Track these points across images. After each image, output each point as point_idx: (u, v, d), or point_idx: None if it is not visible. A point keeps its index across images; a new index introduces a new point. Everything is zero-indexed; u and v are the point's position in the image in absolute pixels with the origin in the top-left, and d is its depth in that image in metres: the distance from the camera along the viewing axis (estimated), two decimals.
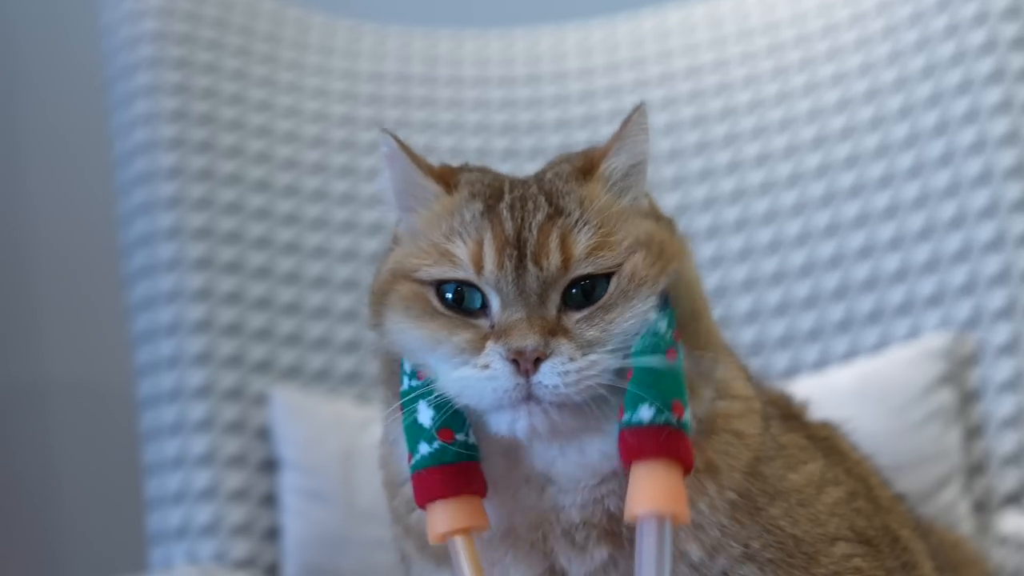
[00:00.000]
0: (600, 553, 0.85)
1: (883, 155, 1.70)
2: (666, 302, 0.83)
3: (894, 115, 1.70)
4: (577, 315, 0.82)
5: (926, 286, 1.62)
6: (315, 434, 1.60)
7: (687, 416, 0.80)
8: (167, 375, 1.65)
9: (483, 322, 0.82)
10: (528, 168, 1.67)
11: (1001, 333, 1.54)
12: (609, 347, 0.81)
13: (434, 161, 0.95)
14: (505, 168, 1.03)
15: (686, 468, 0.80)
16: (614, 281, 0.83)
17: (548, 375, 0.79)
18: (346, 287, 1.77)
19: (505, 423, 0.82)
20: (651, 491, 0.78)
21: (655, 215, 0.92)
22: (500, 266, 0.82)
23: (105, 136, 1.86)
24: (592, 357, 0.80)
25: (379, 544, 1.48)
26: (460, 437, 0.84)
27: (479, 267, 0.82)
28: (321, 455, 1.58)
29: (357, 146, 1.86)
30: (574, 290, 0.83)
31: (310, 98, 1.87)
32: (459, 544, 0.83)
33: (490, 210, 0.85)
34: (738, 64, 1.87)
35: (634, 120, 0.89)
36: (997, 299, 1.56)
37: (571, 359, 0.79)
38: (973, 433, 1.54)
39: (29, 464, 2.19)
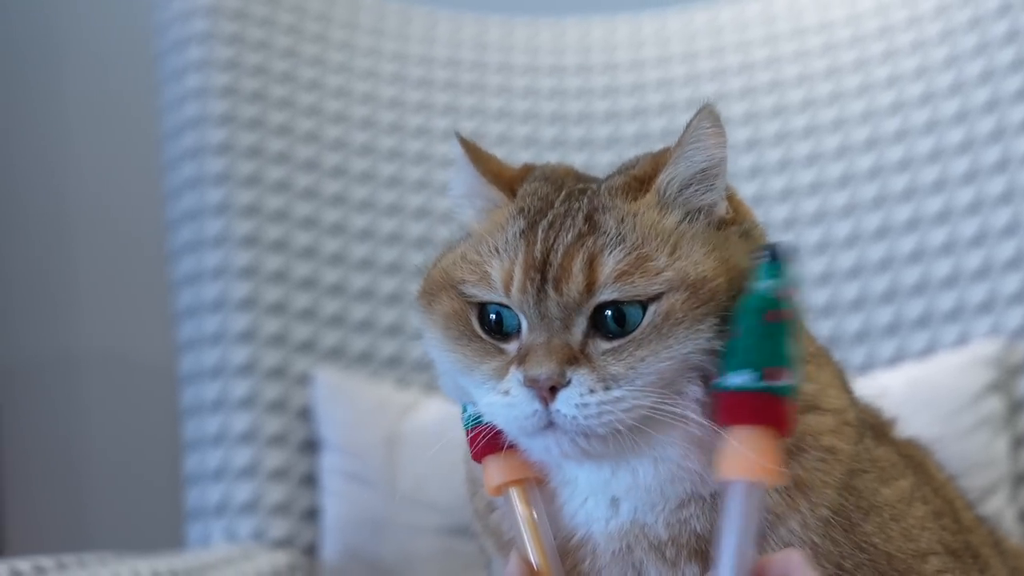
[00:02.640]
0: (691, 570, 0.82)
1: (937, 159, 1.69)
2: (780, 258, 0.77)
3: (949, 119, 1.69)
4: (606, 345, 0.78)
5: (977, 293, 1.61)
6: (358, 416, 1.59)
7: (787, 381, 0.76)
8: (210, 351, 1.65)
9: (514, 346, 0.81)
10: (575, 159, 1.69)
11: None
12: (638, 384, 0.76)
13: (503, 153, 0.95)
14: (552, 156, 1.01)
15: (783, 433, 0.76)
16: (649, 314, 0.77)
17: (565, 405, 0.76)
18: (391, 270, 1.76)
19: (535, 448, 0.82)
20: (739, 457, 0.75)
21: (734, 222, 0.85)
22: (523, 290, 0.79)
23: (152, 110, 1.86)
24: (616, 393, 0.76)
25: (420, 530, 1.50)
26: (469, 407, 0.84)
27: (508, 290, 0.80)
28: (364, 438, 1.57)
29: (405, 129, 1.85)
30: (607, 314, 0.78)
31: (359, 79, 1.87)
32: (513, 495, 0.84)
33: (530, 228, 0.82)
34: (791, 61, 1.86)
35: (695, 125, 0.82)
36: None
37: (591, 391, 0.76)
38: (1021, 442, 1.53)
39: (65, 437, 2.20)
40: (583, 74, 1.93)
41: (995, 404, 1.52)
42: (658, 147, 0.89)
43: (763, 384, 0.74)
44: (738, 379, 0.75)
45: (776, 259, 0.77)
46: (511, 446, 0.83)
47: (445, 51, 1.93)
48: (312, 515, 1.59)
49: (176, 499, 1.71)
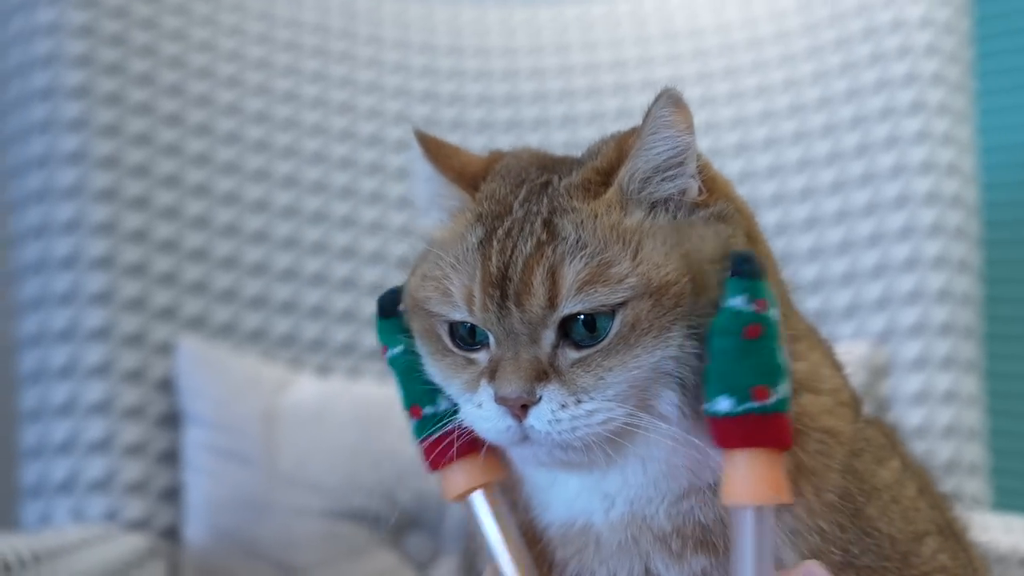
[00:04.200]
0: (698, 562, 0.80)
1: (805, 168, 1.75)
2: (748, 270, 0.73)
3: (818, 131, 1.76)
4: (575, 355, 0.75)
5: (842, 297, 1.67)
6: (230, 390, 1.49)
7: (775, 398, 0.72)
8: (60, 313, 1.50)
9: (484, 356, 0.78)
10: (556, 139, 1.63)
11: (912, 349, 1.61)
12: (609, 394, 0.74)
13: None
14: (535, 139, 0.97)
15: (782, 449, 0.74)
16: (616, 323, 0.74)
17: (538, 421, 0.74)
18: (256, 239, 1.66)
19: (517, 457, 0.81)
20: (741, 481, 0.73)
21: (706, 204, 0.80)
22: (484, 308, 0.76)
23: None
24: (588, 406, 0.74)
25: (301, 512, 1.42)
26: (428, 411, 0.82)
27: (471, 307, 0.77)
28: (237, 412, 1.47)
29: (273, 93, 1.75)
30: (577, 323, 0.75)
31: (225, 36, 1.75)
32: (477, 500, 0.82)
33: (487, 239, 0.78)
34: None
35: (653, 113, 0.76)
36: (910, 316, 1.62)
37: (562, 406, 0.74)
38: None
39: None
40: (535, 55, 1.90)
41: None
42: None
43: (752, 406, 0.72)
44: (725, 404, 0.73)
45: (741, 272, 0.74)
46: (469, 452, 0.81)
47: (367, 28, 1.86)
48: (172, 494, 1.47)
49: (6, 475, 1.54)
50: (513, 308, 0.75)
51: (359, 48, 1.84)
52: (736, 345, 0.72)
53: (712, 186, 0.80)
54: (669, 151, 0.77)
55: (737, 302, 0.73)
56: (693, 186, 0.79)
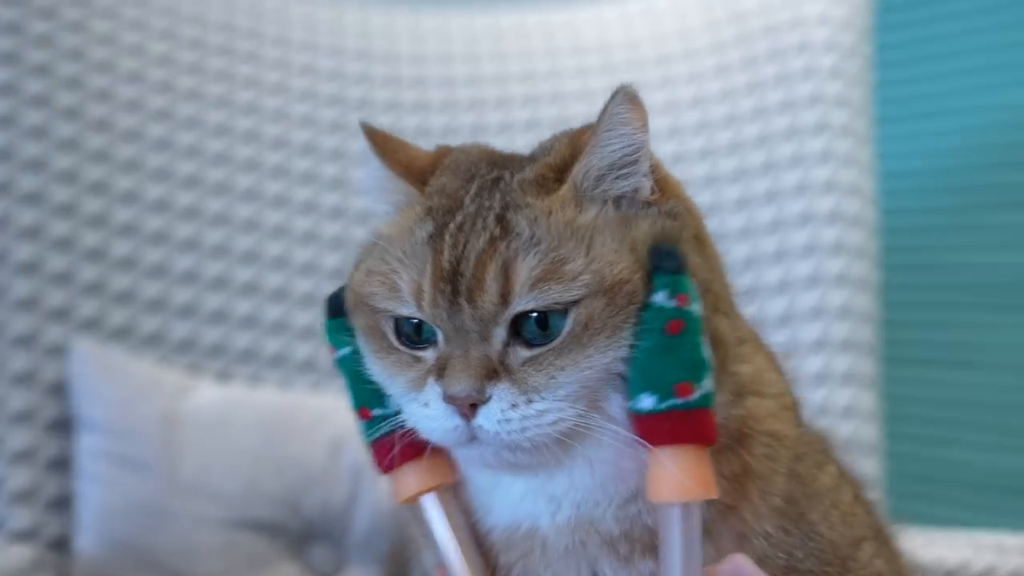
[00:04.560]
0: (646, 566, 0.79)
1: (711, 184, 1.76)
2: (669, 266, 0.73)
3: (724, 148, 1.78)
4: (526, 354, 0.74)
5: (745, 312, 1.69)
6: (128, 395, 1.43)
7: (699, 393, 0.72)
8: None
9: (432, 354, 0.77)
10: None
11: (813, 364, 1.64)
12: (560, 394, 0.73)
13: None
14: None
15: (706, 444, 0.73)
16: (569, 322, 0.73)
17: (487, 421, 0.73)
18: (155, 240, 1.60)
19: (462, 458, 0.80)
20: (667, 479, 0.72)
21: (657, 202, 0.79)
22: (435, 303, 0.74)
23: None
24: (539, 406, 0.73)
25: (202, 521, 1.37)
26: (377, 412, 0.80)
27: (419, 303, 0.75)
28: (136, 418, 1.41)
29: (176, 91, 1.70)
30: (529, 321, 0.74)
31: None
32: (428, 503, 0.81)
33: (438, 233, 0.76)
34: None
35: (610, 111, 0.75)
36: (811, 332, 1.65)
37: (513, 406, 0.73)
38: None
39: None
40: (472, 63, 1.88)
41: None
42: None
43: (675, 403, 0.72)
44: (648, 402, 0.72)
45: (661, 267, 0.73)
46: (412, 455, 0.80)
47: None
48: (62, 504, 1.41)
49: None
50: (464, 304, 0.73)
51: (293, 55, 1.80)
52: (658, 342, 0.72)
53: (664, 186, 0.80)
54: (624, 148, 0.76)
55: (659, 298, 0.72)
56: (646, 185, 0.78)
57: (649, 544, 0.78)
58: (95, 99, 1.61)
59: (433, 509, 0.81)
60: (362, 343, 0.81)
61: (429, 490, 0.81)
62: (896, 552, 0.93)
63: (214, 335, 1.60)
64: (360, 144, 0.84)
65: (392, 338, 0.78)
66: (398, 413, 0.79)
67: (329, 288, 1.62)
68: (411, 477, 0.80)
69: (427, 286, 0.75)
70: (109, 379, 1.44)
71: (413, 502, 0.81)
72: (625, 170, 0.77)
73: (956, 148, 2.02)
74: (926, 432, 2.05)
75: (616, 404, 0.75)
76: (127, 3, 1.71)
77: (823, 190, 1.69)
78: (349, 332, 0.82)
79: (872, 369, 1.66)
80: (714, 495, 0.73)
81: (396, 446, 0.79)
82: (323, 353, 1.64)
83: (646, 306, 0.72)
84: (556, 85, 1.87)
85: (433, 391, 0.75)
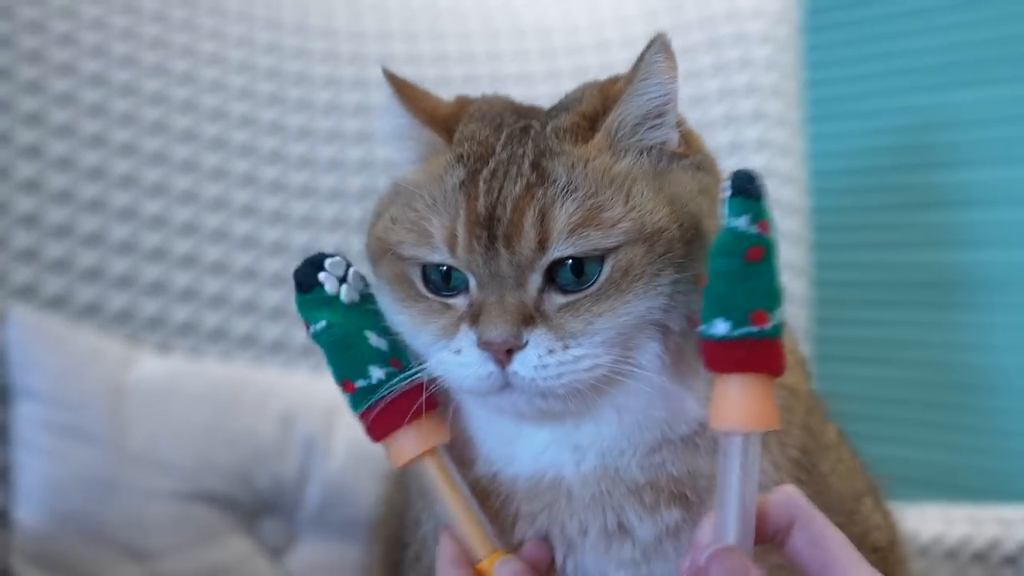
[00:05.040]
0: (671, 515, 0.79)
1: None
2: (752, 190, 0.70)
3: None
4: (562, 300, 0.74)
5: None
6: (71, 364, 1.37)
7: (773, 323, 0.70)
8: None
9: (462, 301, 0.76)
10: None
11: None
12: (597, 340, 0.73)
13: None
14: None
15: (775, 374, 0.72)
16: (607, 267, 0.73)
17: (523, 367, 0.72)
18: (92, 207, 1.54)
19: (491, 405, 0.78)
20: (733, 407, 0.71)
21: (685, 154, 0.80)
22: (470, 249, 0.74)
23: None
24: (576, 351, 0.73)
25: (152, 493, 1.34)
26: (361, 384, 0.79)
27: (453, 249, 0.75)
28: (80, 388, 1.36)
29: (110, 56, 1.65)
30: (564, 268, 0.74)
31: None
32: (428, 464, 0.81)
33: (471, 179, 0.76)
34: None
35: (648, 58, 0.76)
36: None
37: (550, 351, 0.72)
38: None
39: None
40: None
41: None
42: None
43: (751, 330, 0.70)
44: (722, 328, 0.70)
45: (745, 191, 0.71)
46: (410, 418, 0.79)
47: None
48: (1, 475, 1.35)
49: None
50: (502, 250, 0.73)
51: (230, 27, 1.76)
52: (737, 267, 0.70)
53: (689, 138, 0.82)
54: (659, 98, 0.77)
55: (740, 223, 0.70)
56: (674, 137, 0.80)
57: (675, 493, 0.79)
58: (26, 61, 1.55)
59: (434, 470, 0.80)
60: (386, 293, 0.80)
61: (426, 452, 0.80)
62: (887, 509, 0.96)
63: (153, 307, 1.55)
64: (383, 92, 0.83)
65: (420, 286, 0.78)
66: (385, 381, 0.78)
67: (270, 262, 1.62)
68: (406, 441, 0.79)
69: (461, 232, 0.74)
70: (49, 348, 1.38)
71: (411, 464, 0.81)
72: (658, 120, 0.78)
73: (880, 148, 2.08)
74: (850, 427, 2.11)
75: (649, 352, 0.76)
76: None
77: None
78: (323, 306, 0.81)
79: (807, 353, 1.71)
80: (777, 427, 0.72)
81: (404, 408, 0.78)
82: (264, 328, 1.61)
83: (724, 230, 0.70)
84: (495, 67, 1.87)
85: (467, 337, 0.74)
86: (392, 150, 0.85)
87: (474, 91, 1.76)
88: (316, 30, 1.83)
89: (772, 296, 0.71)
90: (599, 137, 0.77)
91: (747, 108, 1.77)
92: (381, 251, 0.80)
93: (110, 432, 1.34)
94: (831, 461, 0.86)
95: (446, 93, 0.90)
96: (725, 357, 0.71)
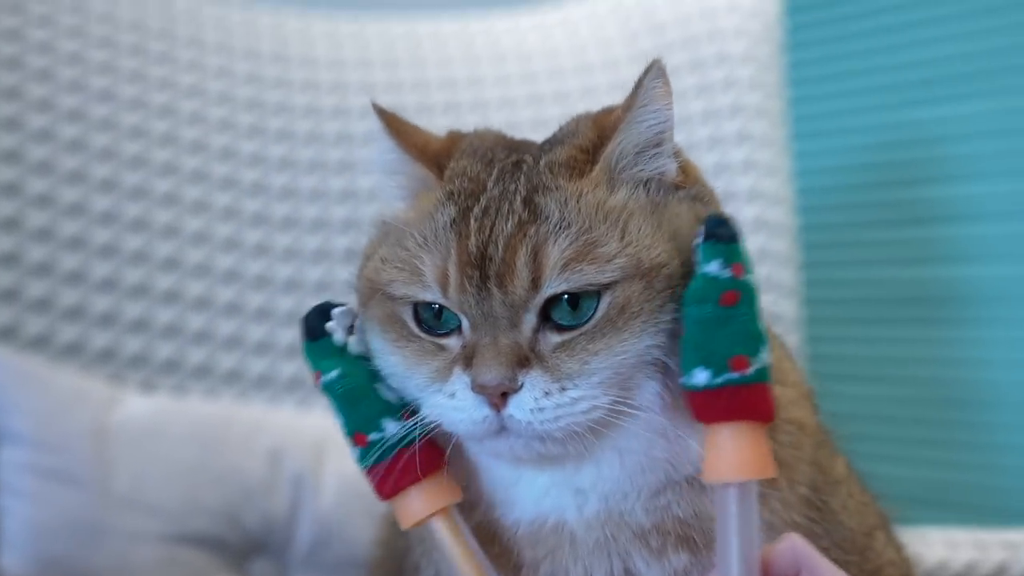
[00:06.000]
0: (679, 559, 0.77)
1: None
2: (723, 234, 0.71)
3: None
4: (557, 339, 0.72)
5: None
6: (54, 406, 1.35)
7: (755, 367, 0.69)
8: None
9: (455, 342, 0.75)
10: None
11: None
12: (594, 380, 0.71)
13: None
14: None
15: (764, 420, 0.71)
16: (603, 304, 0.71)
17: (519, 410, 0.71)
18: (72, 245, 1.52)
19: (488, 450, 0.77)
20: (724, 457, 0.70)
21: (683, 185, 0.79)
22: (462, 289, 0.72)
23: None
24: (573, 393, 0.71)
25: (139, 536, 1.32)
26: (374, 436, 0.77)
27: (444, 289, 0.73)
28: (64, 430, 1.33)
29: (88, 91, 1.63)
30: (560, 304, 0.72)
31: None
32: (438, 525, 0.78)
33: (462, 217, 0.74)
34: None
35: (646, 84, 0.74)
36: None
37: (546, 394, 0.70)
38: None
39: None
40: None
41: None
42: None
43: (732, 376, 0.69)
44: (702, 377, 0.69)
45: (716, 236, 0.71)
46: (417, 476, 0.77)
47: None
48: None
49: None
50: (495, 290, 0.71)
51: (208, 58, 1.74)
52: (712, 313, 0.69)
53: (687, 169, 0.80)
54: (658, 125, 0.76)
55: (712, 268, 0.70)
56: (672, 167, 0.78)
57: (682, 536, 0.77)
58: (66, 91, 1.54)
59: (443, 531, 0.78)
60: (377, 335, 0.78)
61: (437, 513, 0.78)
62: (899, 543, 0.94)
63: (135, 344, 1.53)
64: (371, 123, 0.82)
65: (412, 325, 0.76)
66: (397, 436, 0.76)
67: (254, 296, 1.60)
68: (417, 501, 0.77)
69: (453, 271, 0.73)
70: (32, 389, 1.36)
71: (420, 525, 0.78)
72: (657, 149, 0.77)
73: (865, 165, 2.08)
74: (844, 447, 2.09)
75: (649, 391, 0.74)
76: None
77: (747, 199, 1.72)
78: (333, 355, 0.79)
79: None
80: (772, 474, 0.71)
81: (411, 467, 0.76)
82: (248, 363, 1.59)
83: (697, 276, 0.70)
84: (476, 93, 1.86)
85: (460, 380, 0.72)
86: (381, 185, 0.83)
87: (456, 117, 1.78)
88: (295, 59, 1.82)
89: (752, 340, 0.70)
90: (597, 170, 0.76)
91: (732, 129, 1.76)
92: (371, 292, 0.79)
93: (95, 474, 1.31)
94: (842, 496, 0.84)
95: (428, 119, 0.89)
96: (709, 407, 0.70)
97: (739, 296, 0.69)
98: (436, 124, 1.79)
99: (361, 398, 0.77)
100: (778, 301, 1.68)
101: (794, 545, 0.71)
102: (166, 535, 1.31)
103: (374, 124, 0.82)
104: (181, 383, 1.54)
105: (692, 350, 0.70)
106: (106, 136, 1.60)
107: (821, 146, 2.09)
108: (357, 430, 0.77)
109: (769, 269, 1.69)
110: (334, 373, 0.78)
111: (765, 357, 0.70)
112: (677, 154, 0.79)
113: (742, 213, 1.71)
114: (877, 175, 2.06)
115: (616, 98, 1.78)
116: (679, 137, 1.76)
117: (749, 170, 1.73)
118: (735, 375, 0.69)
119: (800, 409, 0.83)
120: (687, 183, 0.79)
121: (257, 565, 1.39)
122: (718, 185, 1.70)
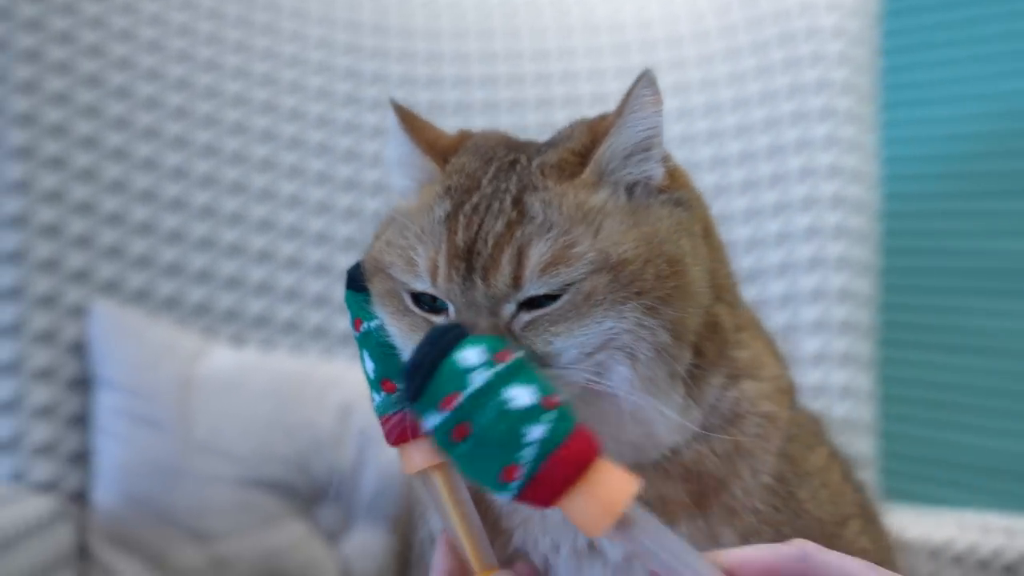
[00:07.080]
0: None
1: (716, 167, 1.80)
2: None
3: (731, 131, 1.81)
4: (527, 317, 0.76)
5: (747, 293, 1.72)
6: (147, 356, 1.47)
7: (528, 459, 0.67)
8: None
9: (445, 320, 0.79)
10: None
11: (812, 344, 1.68)
12: (562, 361, 0.75)
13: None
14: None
15: (584, 466, 0.68)
16: (569, 293, 0.76)
17: None
18: (174, 206, 1.64)
19: None
20: (586, 521, 0.68)
21: (667, 189, 0.82)
22: (449, 279, 0.77)
23: None
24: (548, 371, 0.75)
25: (215, 480, 1.42)
26: (400, 387, 0.80)
27: (434, 278, 0.79)
28: (154, 379, 1.46)
29: (169, 75, 1.74)
30: (539, 299, 0.76)
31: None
32: (433, 478, 0.82)
33: (454, 212, 0.79)
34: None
35: (636, 93, 0.79)
36: (811, 313, 1.69)
37: None
38: None
39: None
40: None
41: None
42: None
43: (518, 483, 0.67)
44: (504, 496, 0.68)
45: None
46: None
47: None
48: (81, 458, 1.46)
49: None
50: (479, 282, 0.76)
51: (310, 28, 1.83)
52: (456, 453, 0.69)
53: (675, 175, 0.84)
54: (646, 130, 0.80)
55: (432, 422, 0.69)
56: (659, 171, 0.82)
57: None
58: (116, 68, 1.65)
59: (438, 485, 0.82)
60: (379, 305, 0.84)
61: (434, 467, 0.82)
62: (883, 531, 0.97)
63: (229, 300, 1.64)
64: (389, 119, 0.88)
65: (408, 301, 0.82)
66: None
67: (343, 258, 1.69)
68: (417, 453, 0.81)
69: (442, 263, 0.78)
70: (127, 340, 1.48)
71: (420, 475, 0.83)
72: (644, 154, 0.81)
73: (961, 135, 2.05)
74: (922, 414, 2.09)
75: (619, 375, 0.77)
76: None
77: (827, 175, 1.72)
78: (371, 305, 0.85)
79: (870, 351, 1.70)
80: (633, 490, 0.69)
81: (406, 421, 0.80)
82: (335, 320, 1.69)
83: (427, 431, 0.69)
84: (568, 64, 1.91)
85: None
86: (393, 175, 0.90)
87: (545, 88, 1.83)
88: (393, 30, 1.90)
89: (505, 445, 0.67)
90: (588, 172, 0.80)
91: (817, 104, 1.76)
92: (375, 269, 0.84)
93: (178, 422, 1.43)
94: (812, 488, 0.87)
95: (440, 117, 0.94)
96: (537, 498, 0.69)
97: (468, 429, 0.68)
98: (527, 95, 1.86)
99: (395, 350, 0.83)
100: (853, 279, 1.69)
101: (802, 551, 0.68)
102: (241, 479, 1.43)
103: (390, 119, 0.88)
104: (270, 337, 1.65)
105: (475, 478, 0.70)
106: (209, 104, 1.71)
107: (914, 115, 2.06)
108: (387, 377, 0.82)
109: (845, 246, 1.69)
110: (375, 322, 0.84)
111: (537, 432, 0.67)
112: (666, 159, 0.83)
113: (821, 189, 1.72)
114: (968, 146, 2.03)
115: (706, 72, 1.81)
116: (762, 113, 1.78)
117: (831, 146, 1.73)
118: (515, 483, 0.67)
119: (772, 403, 0.86)
120: (673, 187, 0.83)
121: (324, 510, 1.49)
122: (799, 160, 1.74)
